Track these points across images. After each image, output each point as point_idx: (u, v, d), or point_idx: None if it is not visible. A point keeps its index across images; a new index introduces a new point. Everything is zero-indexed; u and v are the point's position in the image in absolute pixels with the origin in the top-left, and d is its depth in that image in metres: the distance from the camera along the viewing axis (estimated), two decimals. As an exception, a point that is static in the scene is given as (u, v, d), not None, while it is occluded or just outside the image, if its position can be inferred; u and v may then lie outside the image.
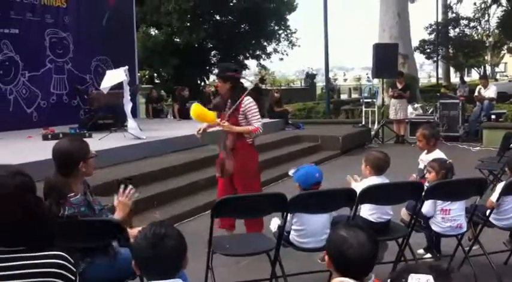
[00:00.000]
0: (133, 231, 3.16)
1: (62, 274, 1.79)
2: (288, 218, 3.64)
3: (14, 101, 10.37)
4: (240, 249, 3.78)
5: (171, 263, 1.91)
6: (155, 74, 24.60)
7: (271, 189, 7.78)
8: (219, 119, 4.84)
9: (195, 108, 4.98)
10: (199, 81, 24.98)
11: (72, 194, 3.04)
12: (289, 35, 26.44)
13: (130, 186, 3.27)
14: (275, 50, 26.56)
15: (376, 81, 16.69)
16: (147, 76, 24.12)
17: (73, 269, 1.84)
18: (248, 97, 4.84)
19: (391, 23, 16.69)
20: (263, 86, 26.44)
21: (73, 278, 1.82)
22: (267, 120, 12.75)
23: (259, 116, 4.90)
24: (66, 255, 1.84)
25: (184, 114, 12.74)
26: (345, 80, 42.95)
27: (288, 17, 26.02)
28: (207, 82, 26.14)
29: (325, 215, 3.73)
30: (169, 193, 6.70)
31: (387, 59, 12.54)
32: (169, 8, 20.56)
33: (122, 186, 3.25)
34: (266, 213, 3.57)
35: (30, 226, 1.82)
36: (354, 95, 28.98)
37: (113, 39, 12.26)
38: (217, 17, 24.20)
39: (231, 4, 23.47)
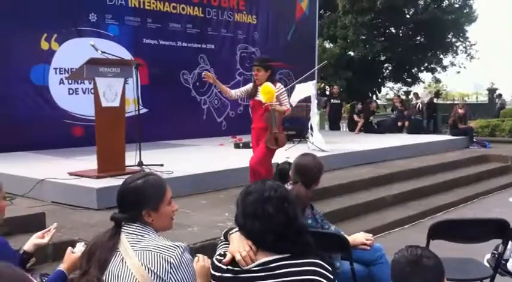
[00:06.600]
0: None
1: None
2: (509, 246, 3.47)
3: (207, 110, 11.26)
4: (453, 274, 3.67)
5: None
6: (327, 87, 24.97)
7: (459, 211, 7.44)
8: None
9: (269, 86, 5.79)
10: (370, 94, 24.79)
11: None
12: (468, 47, 25.11)
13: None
14: (451, 63, 25.41)
15: None
16: (320, 89, 24.60)
17: (331, 277, 1.90)
18: (279, 83, 5.95)
19: None
20: (436, 100, 25.45)
21: None
22: (449, 137, 12.23)
23: (288, 99, 6.03)
24: (324, 264, 1.92)
25: (367, 128, 12.87)
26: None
27: (467, 28, 24.77)
28: (379, 95, 25.87)
29: (553, 246, 3.50)
30: (357, 207, 6.73)
31: None
32: (346, 21, 20.74)
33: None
34: (486, 239, 3.44)
35: (292, 232, 1.95)
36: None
37: (295, 53, 12.69)
38: (393, 30, 23.85)
39: (408, 16, 22.96)
